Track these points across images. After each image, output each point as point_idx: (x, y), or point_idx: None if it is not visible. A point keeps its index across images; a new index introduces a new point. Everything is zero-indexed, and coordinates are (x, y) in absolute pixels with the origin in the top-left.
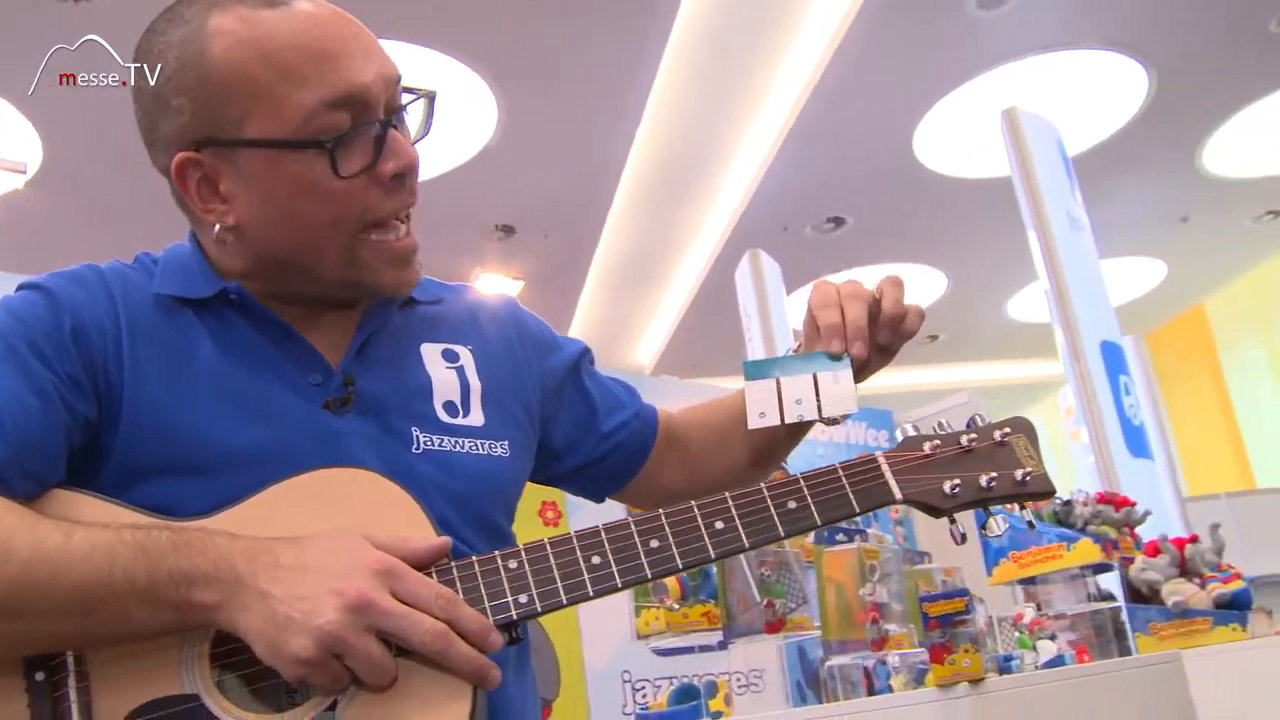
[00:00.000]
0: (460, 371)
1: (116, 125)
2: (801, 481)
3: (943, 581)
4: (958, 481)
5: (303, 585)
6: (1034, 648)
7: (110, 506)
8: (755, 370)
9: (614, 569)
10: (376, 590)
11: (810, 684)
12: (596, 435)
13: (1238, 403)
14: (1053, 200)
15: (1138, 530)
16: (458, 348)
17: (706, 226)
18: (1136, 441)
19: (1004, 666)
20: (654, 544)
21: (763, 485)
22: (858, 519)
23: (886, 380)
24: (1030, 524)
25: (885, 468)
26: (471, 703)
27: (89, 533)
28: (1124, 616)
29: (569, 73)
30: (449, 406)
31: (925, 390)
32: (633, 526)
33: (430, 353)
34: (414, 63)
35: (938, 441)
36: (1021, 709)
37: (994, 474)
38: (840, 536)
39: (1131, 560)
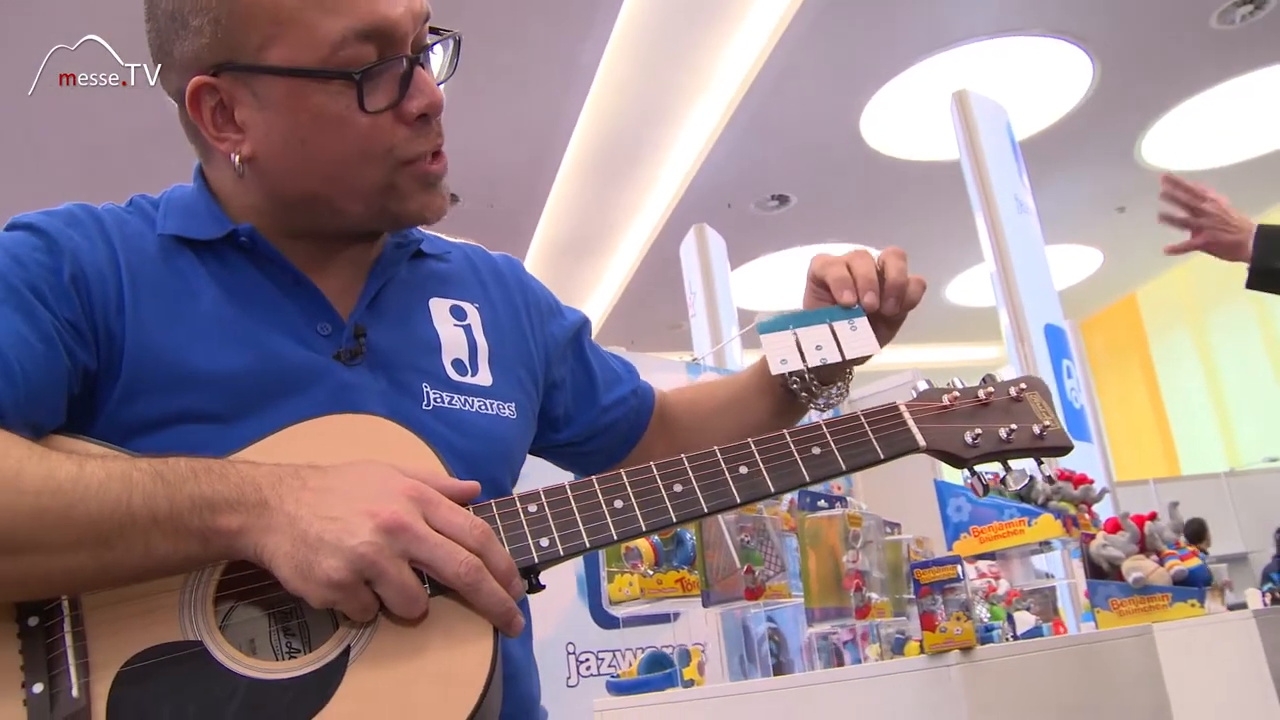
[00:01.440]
0: (468, 330)
1: None
2: (824, 428)
3: (915, 552)
4: (979, 432)
5: (333, 507)
6: (1009, 618)
7: (114, 449)
8: (769, 326)
9: (637, 512)
10: (411, 515)
11: (752, 658)
12: (596, 408)
13: (1165, 391)
14: (1000, 183)
15: (1094, 508)
16: (465, 305)
17: (650, 201)
18: (1077, 424)
19: (985, 636)
20: (678, 488)
21: (785, 431)
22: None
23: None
24: (1050, 479)
25: (907, 415)
26: (494, 647)
27: (103, 463)
28: (1059, 595)
29: (518, 42)
30: (458, 364)
31: (865, 371)
32: (655, 470)
33: (439, 308)
34: None
35: (956, 393)
36: (1009, 676)
37: (1013, 426)
38: (822, 503)
39: (1091, 537)
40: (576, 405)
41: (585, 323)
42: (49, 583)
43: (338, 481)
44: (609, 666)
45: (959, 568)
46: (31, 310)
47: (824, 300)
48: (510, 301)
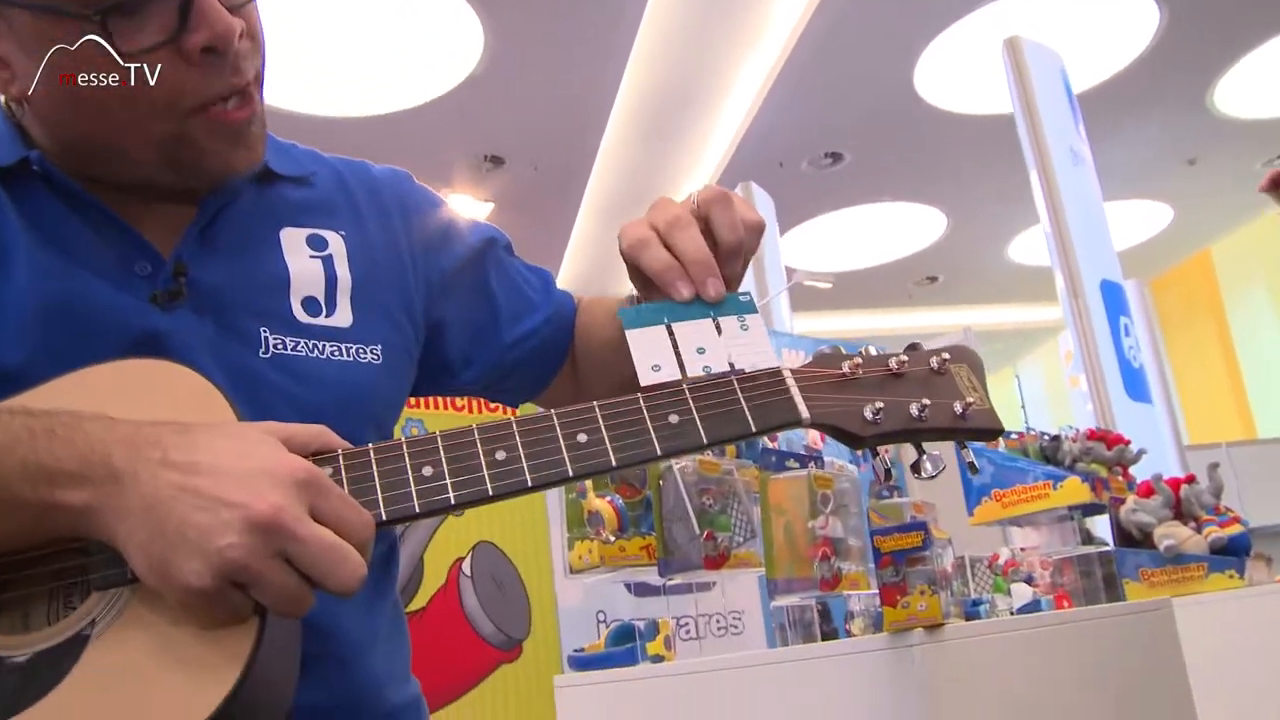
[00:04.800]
0: (327, 262)
1: None
2: (687, 392)
3: (911, 517)
4: (881, 406)
5: (200, 490)
6: (1008, 591)
7: None
8: (636, 318)
9: (448, 481)
10: (294, 508)
11: (793, 624)
12: (498, 346)
13: (1241, 351)
14: (1054, 133)
15: (1131, 470)
16: (327, 233)
17: (701, 161)
18: (1136, 385)
19: (970, 611)
20: (500, 455)
21: (639, 395)
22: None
23: (879, 322)
24: (971, 465)
25: (791, 383)
26: (258, 630)
27: None
28: (1117, 563)
29: (559, 2)
30: (309, 303)
31: (921, 333)
32: (476, 435)
33: (292, 239)
34: None
35: (859, 360)
36: (986, 659)
37: (926, 401)
38: (791, 463)
39: (1122, 501)
40: (475, 344)
41: (491, 243)
42: None
43: (207, 455)
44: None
45: (924, 534)
46: None
47: (654, 292)
48: (387, 226)
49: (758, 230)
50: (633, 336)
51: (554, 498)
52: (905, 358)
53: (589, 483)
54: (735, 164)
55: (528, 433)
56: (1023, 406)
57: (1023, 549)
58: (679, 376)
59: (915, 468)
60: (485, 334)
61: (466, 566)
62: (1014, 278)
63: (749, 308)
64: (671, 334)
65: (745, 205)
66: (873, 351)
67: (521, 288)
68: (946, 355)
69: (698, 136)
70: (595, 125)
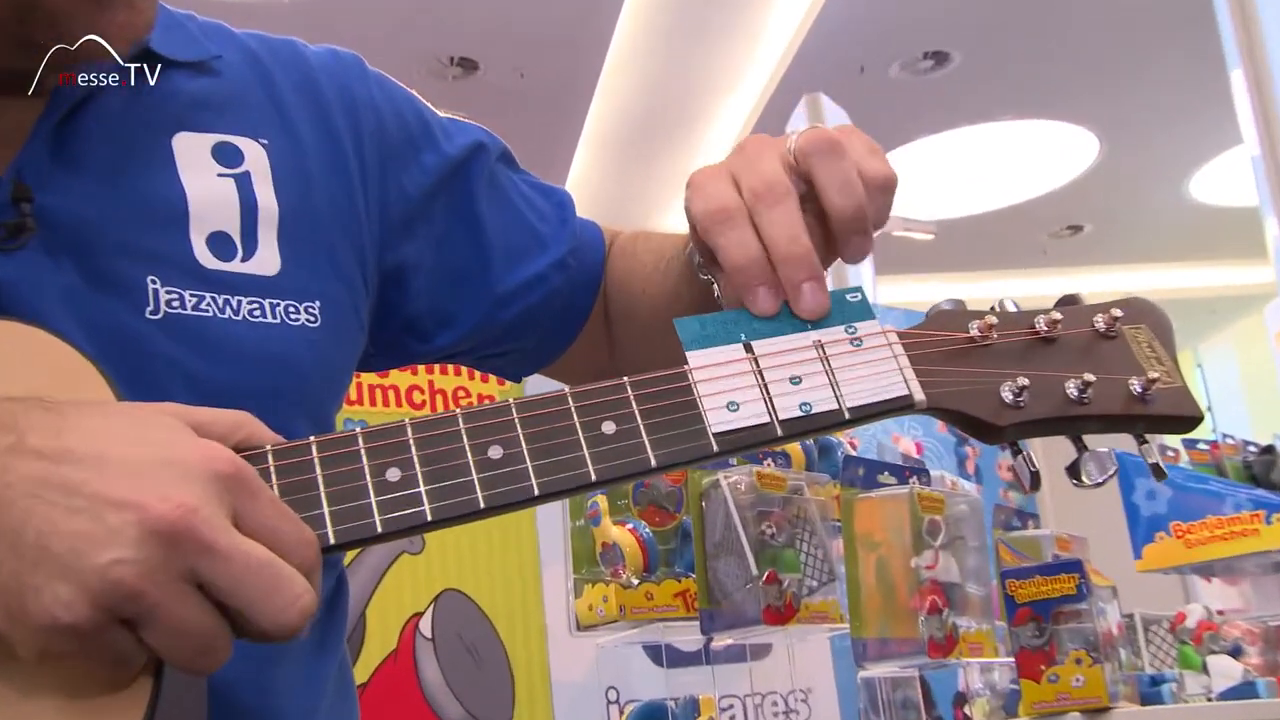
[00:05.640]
0: (243, 182)
1: None
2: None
3: (1054, 555)
4: (1025, 383)
5: (73, 488)
6: (1203, 667)
7: None
8: (700, 335)
9: (422, 489)
10: (209, 510)
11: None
12: (487, 297)
13: None
14: (1274, 11)
15: None
16: (242, 141)
17: (750, 65)
18: None
19: (1148, 693)
20: (494, 452)
21: (686, 367)
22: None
23: (1000, 289)
24: (1156, 468)
25: (899, 352)
26: (152, 695)
27: None
28: None
29: None
30: (218, 242)
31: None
32: (461, 424)
33: (190, 149)
34: None
35: (991, 320)
36: None
37: (1089, 377)
38: (885, 476)
39: None
40: (454, 296)
41: (479, 151)
42: None
43: (83, 439)
44: None
45: (1078, 578)
46: None
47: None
48: (328, 130)
49: (887, 188)
50: (697, 360)
51: (552, 527)
52: (1058, 316)
53: (604, 503)
54: (797, 69)
55: (532, 420)
56: (1209, 407)
57: (1220, 611)
58: (767, 419)
59: (1073, 471)
60: (469, 281)
61: (426, 626)
62: (1197, 225)
63: (861, 311)
64: (753, 356)
65: (867, 150)
66: (1010, 308)
67: (524, 215)
68: (1118, 313)
69: (744, 30)
70: (604, 17)
